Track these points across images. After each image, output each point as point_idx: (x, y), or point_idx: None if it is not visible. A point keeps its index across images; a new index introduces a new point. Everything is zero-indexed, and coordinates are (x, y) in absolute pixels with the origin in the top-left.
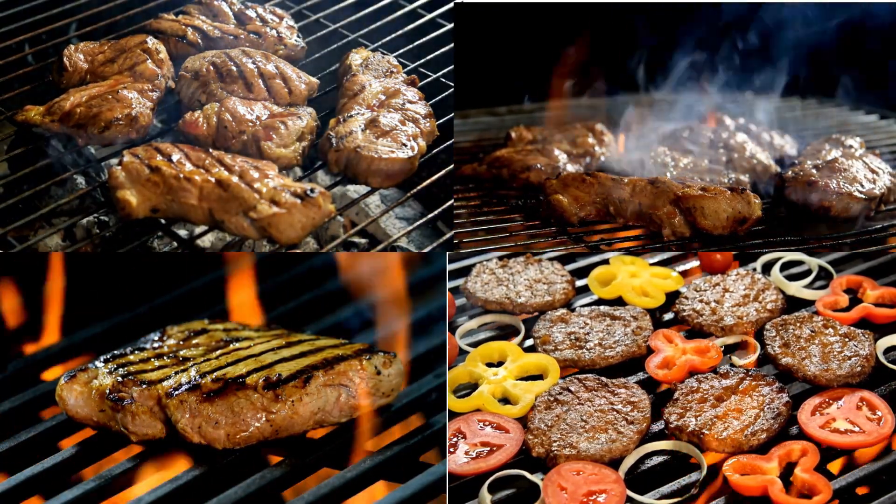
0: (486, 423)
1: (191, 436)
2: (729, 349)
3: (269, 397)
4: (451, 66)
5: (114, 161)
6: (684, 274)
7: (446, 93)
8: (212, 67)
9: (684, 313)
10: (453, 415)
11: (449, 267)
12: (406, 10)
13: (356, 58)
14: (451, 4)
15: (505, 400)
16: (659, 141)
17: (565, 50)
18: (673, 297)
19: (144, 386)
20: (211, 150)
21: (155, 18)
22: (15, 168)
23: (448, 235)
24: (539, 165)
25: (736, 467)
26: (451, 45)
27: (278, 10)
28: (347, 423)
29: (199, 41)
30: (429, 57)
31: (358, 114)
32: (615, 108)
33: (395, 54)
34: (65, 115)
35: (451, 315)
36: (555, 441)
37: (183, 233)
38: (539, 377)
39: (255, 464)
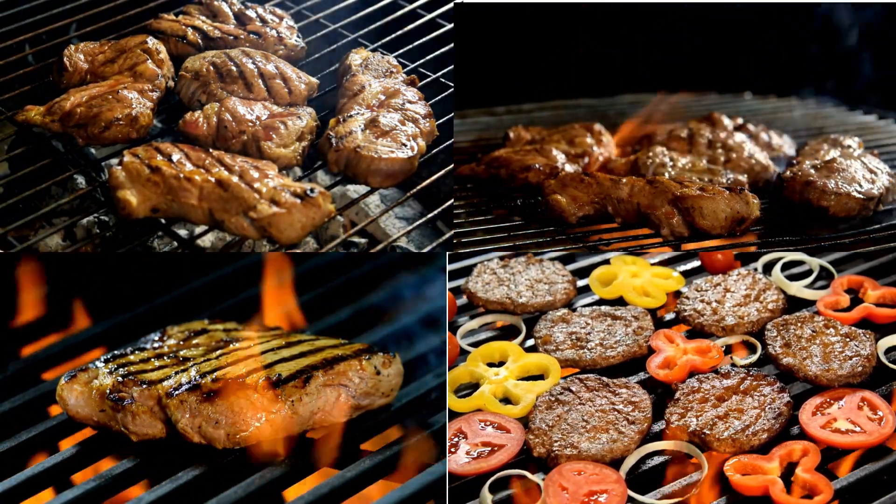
0: (488, 422)
1: (191, 436)
2: (730, 349)
3: (269, 397)
4: (451, 67)
5: (114, 161)
6: (685, 274)
7: (446, 93)
8: (212, 67)
9: (685, 313)
10: (454, 415)
11: (449, 267)
12: (406, 10)
13: (356, 58)
14: (451, 4)
15: (506, 400)
16: (657, 141)
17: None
18: (674, 297)
19: (145, 386)
20: (211, 150)
21: (155, 19)
22: (15, 168)
23: (448, 235)
24: (537, 165)
25: (737, 467)
26: (451, 45)
27: (278, 11)
28: (347, 423)
29: (199, 41)
30: (428, 57)
31: (358, 114)
32: (614, 109)
33: (394, 54)
34: (65, 115)
35: (453, 315)
36: (556, 441)
37: (183, 232)
38: (540, 377)
39: (255, 464)
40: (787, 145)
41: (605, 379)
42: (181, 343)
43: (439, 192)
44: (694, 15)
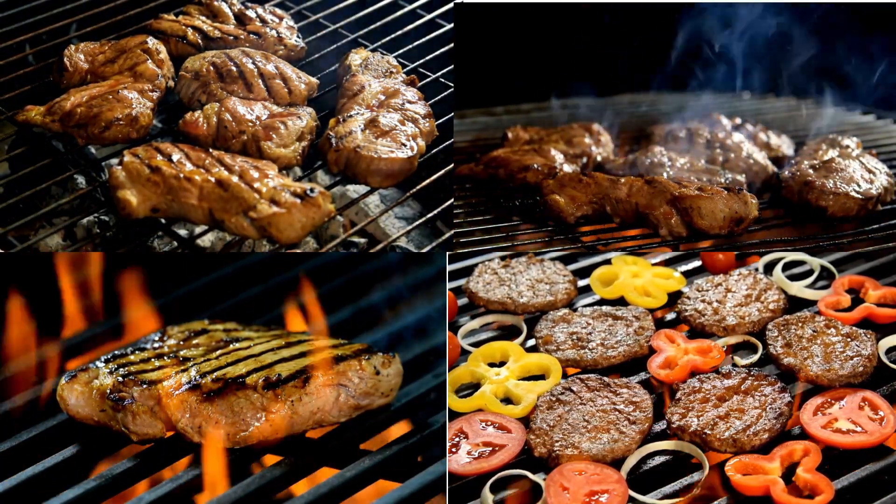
0: (488, 422)
1: (191, 435)
2: (731, 349)
3: (269, 397)
4: (451, 67)
5: (114, 161)
6: (686, 274)
7: (445, 93)
8: (212, 67)
9: (686, 313)
10: (455, 415)
11: (450, 267)
12: (406, 10)
13: (356, 58)
14: (451, 4)
15: (507, 400)
16: (656, 141)
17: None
18: (675, 297)
19: (145, 386)
20: (211, 150)
21: (155, 19)
22: (16, 168)
23: (447, 235)
24: (536, 165)
25: (738, 467)
26: (451, 45)
27: (278, 11)
28: (347, 423)
29: (200, 41)
30: (428, 57)
31: (357, 114)
32: (613, 108)
33: (394, 54)
34: (65, 115)
35: (454, 315)
36: (557, 441)
37: (183, 232)
38: (541, 377)
39: (255, 463)
40: (785, 145)
41: (606, 379)
42: (181, 343)
43: (439, 192)
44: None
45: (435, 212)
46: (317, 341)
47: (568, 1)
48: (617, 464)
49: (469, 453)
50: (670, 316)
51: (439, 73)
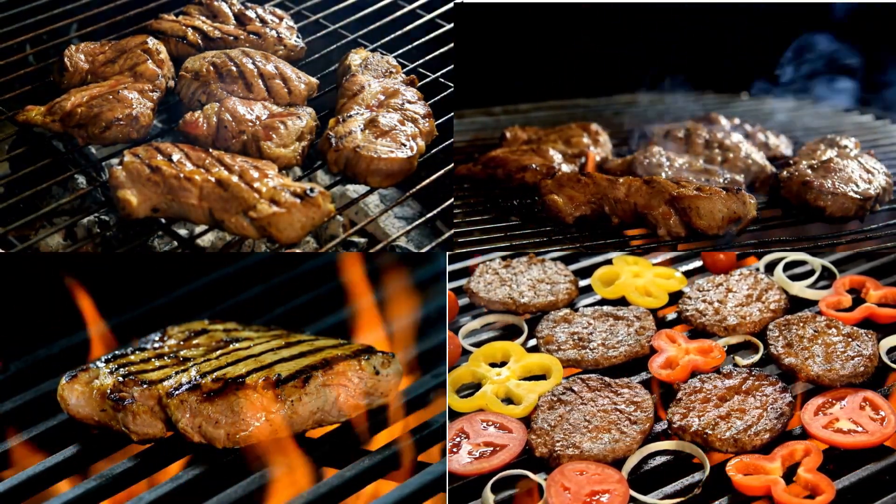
0: (490, 423)
1: (191, 435)
2: (732, 349)
3: (269, 397)
4: (451, 67)
5: (114, 161)
6: (687, 274)
7: (445, 93)
8: (212, 68)
9: (687, 313)
10: (456, 415)
11: (450, 267)
12: (405, 10)
13: (355, 58)
14: (451, 4)
15: (508, 400)
16: (654, 141)
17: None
18: (676, 297)
19: (145, 386)
20: (211, 150)
21: (155, 19)
22: (16, 168)
23: (447, 235)
24: (534, 165)
25: (739, 467)
26: (451, 45)
27: (278, 11)
28: (346, 423)
29: (200, 41)
30: (428, 57)
31: (357, 114)
32: (611, 108)
33: (394, 54)
34: (66, 116)
35: (454, 315)
36: (558, 441)
37: (183, 232)
38: (542, 377)
39: (255, 463)
40: (783, 145)
41: (607, 379)
42: (181, 343)
43: (438, 192)
44: (690, 15)
45: (435, 212)
46: (316, 341)
47: (567, 1)
48: (618, 464)
49: (470, 453)
50: (671, 316)
51: (439, 74)
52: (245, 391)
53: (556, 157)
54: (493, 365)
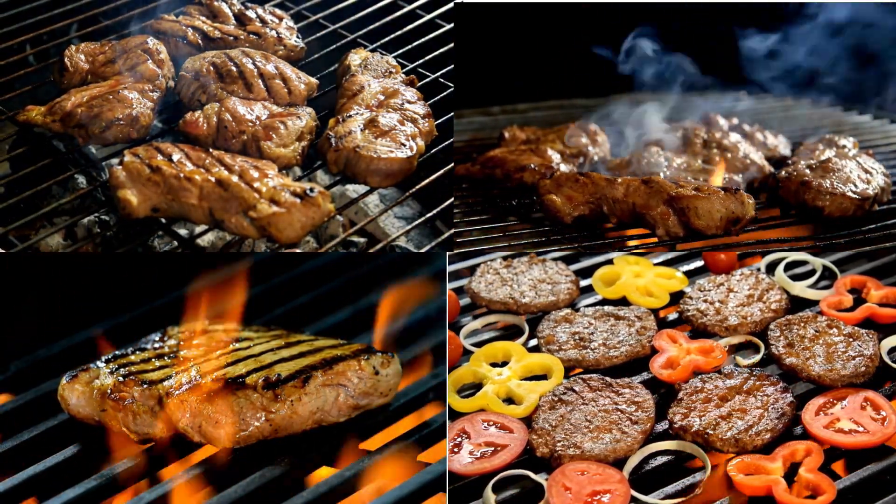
0: (491, 423)
1: (191, 435)
2: (733, 349)
3: (269, 397)
4: (451, 67)
5: (114, 161)
6: (688, 274)
7: (445, 93)
8: (212, 68)
9: (688, 313)
10: (458, 415)
11: (451, 267)
12: (405, 10)
13: (355, 58)
14: (451, 4)
15: (509, 400)
16: (653, 140)
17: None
18: (677, 297)
19: (145, 386)
20: (211, 150)
21: (155, 19)
22: (16, 168)
23: (447, 234)
24: (533, 165)
25: (740, 467)
26: (451, 45)
27: (278, 11)
28: (346, 423)
29: (200, 42)
30: (427, 57)
31: (357, 114)
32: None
33: (393, 55)
34: (66, 116)
35: (455, 315)
36: (559, 441)
37: (183, 232)
38: (543, 377)
39: (255, 463)
40: (782, 145)
41: (608, 379)
42: (182, 343)
43: (438, 192)
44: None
45: (434, 211)
46: (316, 341)
47: (567, 1)
48: (619, 464)
49: (471, 453)
50: (672, 316)
51: (438, 74)
52: (245, 391)
53: (555, 157)
54: (494, 365)
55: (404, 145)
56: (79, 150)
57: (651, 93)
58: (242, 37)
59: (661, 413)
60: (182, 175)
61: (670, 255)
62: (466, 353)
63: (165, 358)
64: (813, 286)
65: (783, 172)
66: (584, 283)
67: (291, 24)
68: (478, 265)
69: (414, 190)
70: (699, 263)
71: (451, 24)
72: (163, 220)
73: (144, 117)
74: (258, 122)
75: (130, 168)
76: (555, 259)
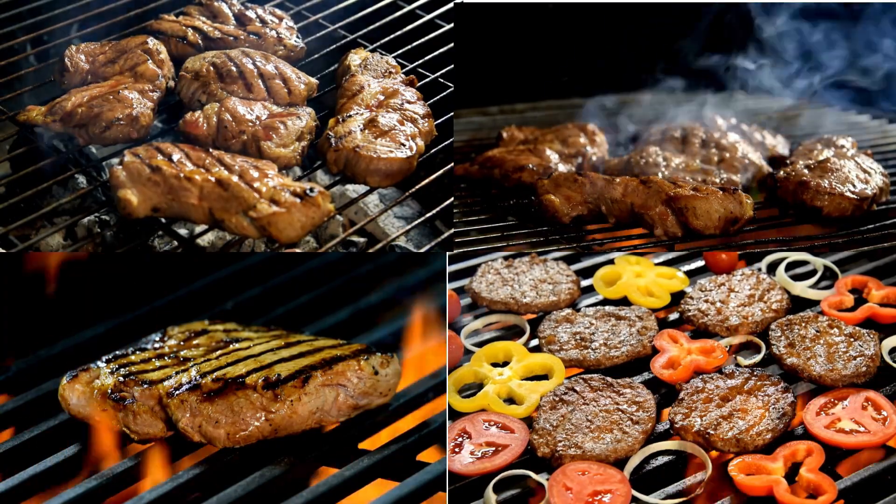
0: (491, 422)
1: (191, 435)
2: (734, 349)
3: (269, 397)
4: (451, 67)
5: (115, 161)
6: (689, 274)
7: (445, 93)
8: (212, 68)
9: (689, 313)
10: (458, 415)
11: (452, 267)
12: (405, 10)
13: (355, 58)
14: (451, 4)
15: (510, 400)
16: (651, 141)
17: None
18: (678, 297)
19: (146, 386)
20: (211, 150)
21: (156, 19)
22: (17, 168)
23: (447, 234)
24: (531, 165)
25: (741, 467)
26: (450, 45)
27: (278, 11)
28: (345, 423)
29: (200, 42)
30: (427, 57)
31: (357, 114)
32: (608, 108)
33: (393, 55)
34: (66, 116)
35: (456, 315)
36: (560, 441)
37: (183, 232)
38: (544, 377)
39: (255, 463)
40: (780, 145)
41: (609, 379)
42: (182, 343)
43: (438, 192)
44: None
45: (434, 211)
46: (316, 341)
47: (566, 1)
48: (620, 464)
49: (472, 453)
50: (673, 316)
51: (438, 74)
52: (245, 391)
53: (553, 157)
54: (495, 365)
55: (404, 145)
56: (79, 150)
57: (649, 92)
58: (242, 37)
59: (661, 413)
60: (182, 175)
61: (671, 255)
62: (467, 353)
63: (166, 358)
64: (814, 286)
65: (781, 172)
66: (585, 283)
67: (291, 24)
68: (478, 265)
69: (414, 190)
70: (700, 263)
71: (451, 25)
72: (163, 220)
73: (144, 117)
74: (258, 122)
75: (131, 168)
76: (556, 259)
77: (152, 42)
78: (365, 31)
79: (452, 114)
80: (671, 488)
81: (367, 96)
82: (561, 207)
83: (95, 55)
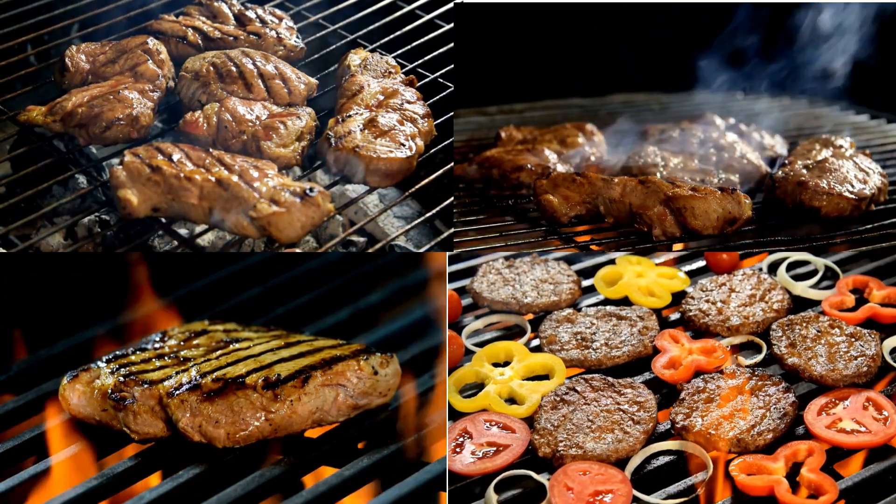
0: (493, 423)
1: (191, 435)
2: (735, 349)
3: (269, 397)
4: (451, 67)
5: (115, 160)
6: (690, 274)
7: (444, 93)
8: (212, 68)
9: (690, 313)
10: (459, 415)
11: (452, 267)
12: (405, 10)
13: (355, 58)
14: (451, 4)
15: (511, 400)
16: (649, 140)
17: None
18: (679, 297)
19: (146, 386)
20: (211, 150)
21: (156, 19)
22: (17, 167)
23: (447, 234)
24: (529, 165)
25: (742, 467)
26: (450, 45)
27: (278, 12)
28: (345, 423)
29: (200, 42)
30: (427, 57)
31: (356, 114)
32: (607, 108)
33: (393, 55)
34: (67, 116)
35: (457, 315)
36: (561, 441)
37: (183, 232)
38: (545, 377)
39: (255, 462)
40: (779, 145)
41: (610, 379)
42: (182, 343)
43: (438, 192)
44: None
45: (434, 211)
46: (316, 342)
47: (565, 1)
48: (621, 464)
49: (473, 453)
50: (674, 316)
51: (438, 74)
52: (245, 391)
53: (552, 156)
54: (496, 365)
55: (403, 145)
56: (79, 150)
57: (647, 93)
58: (242, 37)
59: (663, 413)
60: (182, 175)
61: (672, 255)
62: (468, 353)
63: (166, 358)
64: (815, 286)
65: (780, 172)
66: (586, 283)
67: (291, 24)
68: (479, 265)
69: (413, 189)
70: (701, 263)
71: (451, 25)
72: (163, 220)
73: (145, 117)
74: (258, 122)
75: (131, 168)
76: (557, 259)
77: (152, 42)
78: (365, 31)
79: (452, 114)
80: (672, 488)
81: (366, 96)
82: (559, 207)
83: (96, 55)
